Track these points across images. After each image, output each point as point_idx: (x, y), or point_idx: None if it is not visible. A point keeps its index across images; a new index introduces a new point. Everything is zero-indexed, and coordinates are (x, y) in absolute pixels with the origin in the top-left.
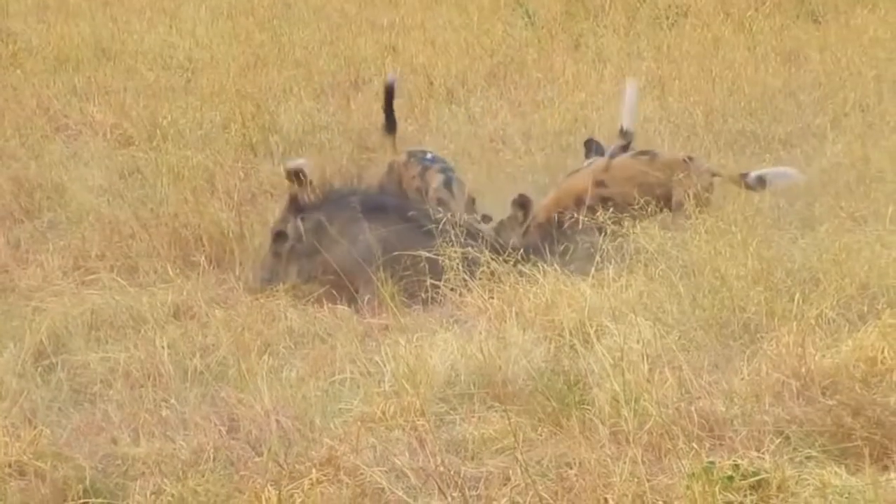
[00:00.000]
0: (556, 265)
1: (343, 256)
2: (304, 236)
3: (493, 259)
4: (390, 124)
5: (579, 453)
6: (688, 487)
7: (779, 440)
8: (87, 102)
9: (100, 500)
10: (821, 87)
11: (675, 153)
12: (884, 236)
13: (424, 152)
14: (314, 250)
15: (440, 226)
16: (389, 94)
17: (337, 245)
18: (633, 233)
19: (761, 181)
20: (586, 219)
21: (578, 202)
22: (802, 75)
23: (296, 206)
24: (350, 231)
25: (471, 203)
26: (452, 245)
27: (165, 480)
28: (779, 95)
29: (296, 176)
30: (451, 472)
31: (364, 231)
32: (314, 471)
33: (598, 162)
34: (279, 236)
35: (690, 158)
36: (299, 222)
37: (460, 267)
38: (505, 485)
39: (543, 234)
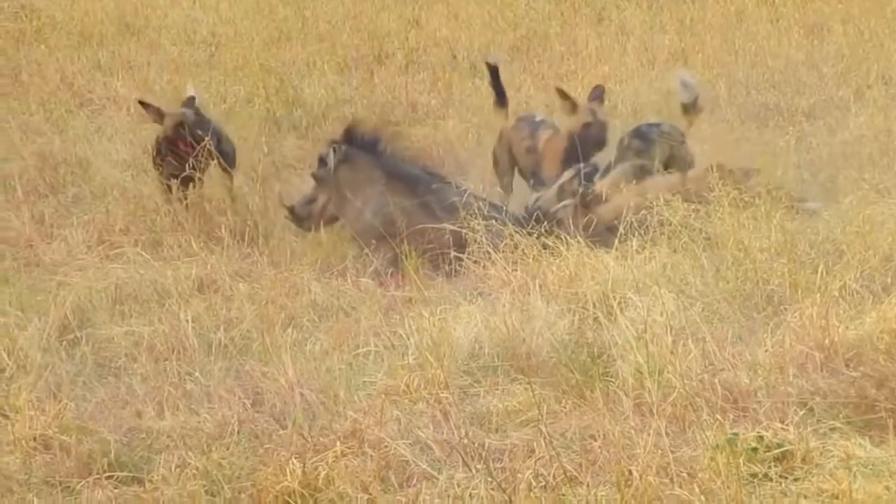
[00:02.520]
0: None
1: (354, 216)
2: (332, 166)
3: (516, 232)
4: (501, 99)
5: (603, 425)
6: (712, 459)
7: (803, 412)
8: (110, 77)
9: (124, 474)
10: (844, 59)
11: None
12: None
13: (533, 115)
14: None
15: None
16: (494, 73)
17: (349, 203)
18: (657, 205)
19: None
20: None
21: None
22: (825, 47)
23: (344, 135)
24: (364, 192)
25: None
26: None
27: (190, 454)
28: (802, 68)
29: None
30: (475, 445)
31: (375, 197)
32: (338, 444)
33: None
34: (320, 161)
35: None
36: (331, 150)
37: (484, 240)
38: (529, 457)
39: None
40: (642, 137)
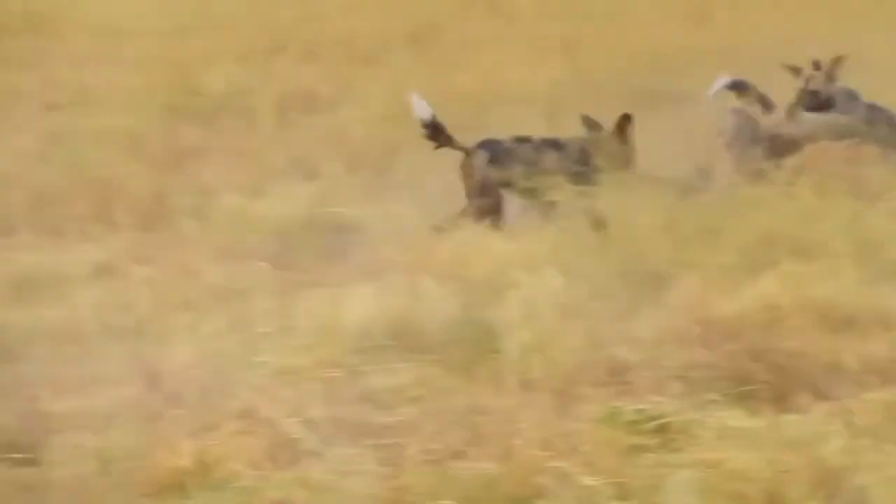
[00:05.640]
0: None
1: None
2: None
3: None
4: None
5: (489, 401)
6: (593, 432)
7: (681, 385)
8: (13, 68)
9: (19, 455)
10: (727, 45)
11: None
12: (784, 187)
13: None
14: None
15: None
16: None
17: None
18: (546, 187)
19: None
20: None
21: None
22: (710, 34)
23: None
24: None
25: None
26: None
27: (84, 435)
28: (686, 54)
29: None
30: (364, 422)
31: None
32: (231, 422)
33: None
34: None
35: None
36: None
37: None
38: (416, 432)
39: None
40: None
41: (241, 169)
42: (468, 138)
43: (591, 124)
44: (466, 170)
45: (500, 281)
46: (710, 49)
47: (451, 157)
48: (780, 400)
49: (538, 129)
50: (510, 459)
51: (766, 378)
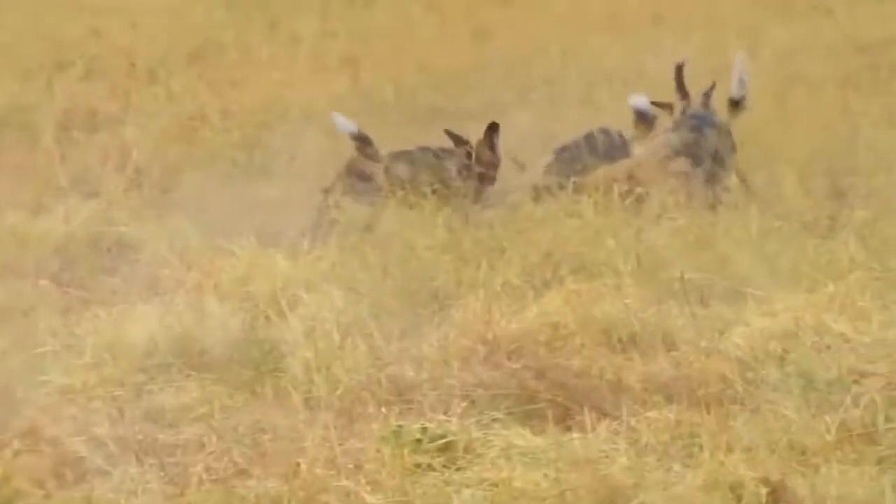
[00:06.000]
0: None
1: None
2: None
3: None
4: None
5: (273, 419)
6: (378, 450)
7: (465, 403)
8: None
9: None
10: (508, 63)
11: None
12: (567, 206)
13: None
14: None
15: None
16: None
17: None
18: (327, 205)
19: None
20: None
21: None
22: (491, 52)
23: None
24: None
25: None
26: None
27: None
28: (468, 71)
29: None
30: (149, 440)
31: None
32: (16, 441)
33: None
34: None
35: None
36: None
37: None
38: (201, 451)
39: None
40: None
41: (22, 186)
42: (255, 156)
43: (456, 139)
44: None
45: (284, 299)
46: (492, 66)
47: (235, 174)
48: (565, 418)
49: (320, 147)
50: (295, 478)
51: (551, 396)
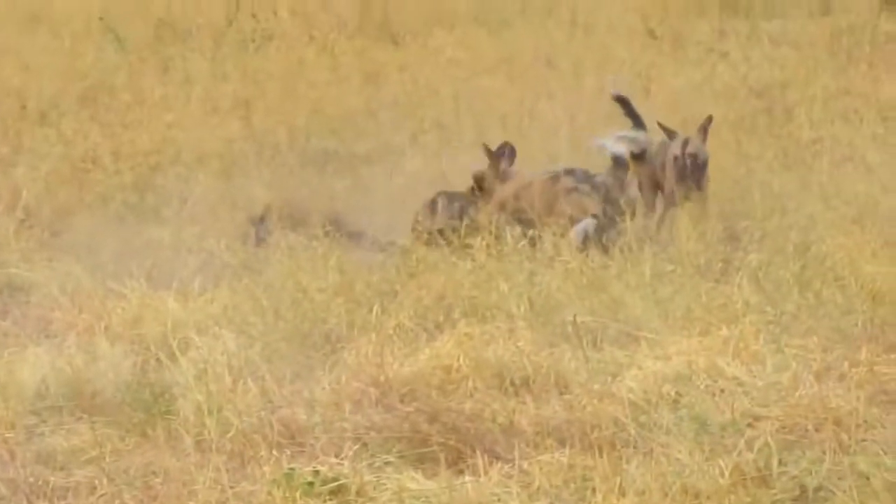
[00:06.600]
0: None
1: None
2: None
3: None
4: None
5: (164, 462)
6: (269, 493)
7: (358, 446)
8: None
9: None
10: (400, 106)
11: None
12: (457, 249)
13: None
14: None
15: None
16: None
17: None
18: (219, 248)
19: None
20: None
21: None
22: (382, 95)
23: None
24: None
25: None
26: None
27: None
28: (360, 115)
29: None
30: (40, 483)
31: None
32: None
33: None
34: None
35: None
36: None
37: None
38: (92, 494)
39: None
40: None
41: None
42: (147, 198)
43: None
44: None
45: (175, 342)
46: (385, 109)
47: (126, 216)
48: (457, 461)
49: (212, 189)
50: None
51: (443, 440)
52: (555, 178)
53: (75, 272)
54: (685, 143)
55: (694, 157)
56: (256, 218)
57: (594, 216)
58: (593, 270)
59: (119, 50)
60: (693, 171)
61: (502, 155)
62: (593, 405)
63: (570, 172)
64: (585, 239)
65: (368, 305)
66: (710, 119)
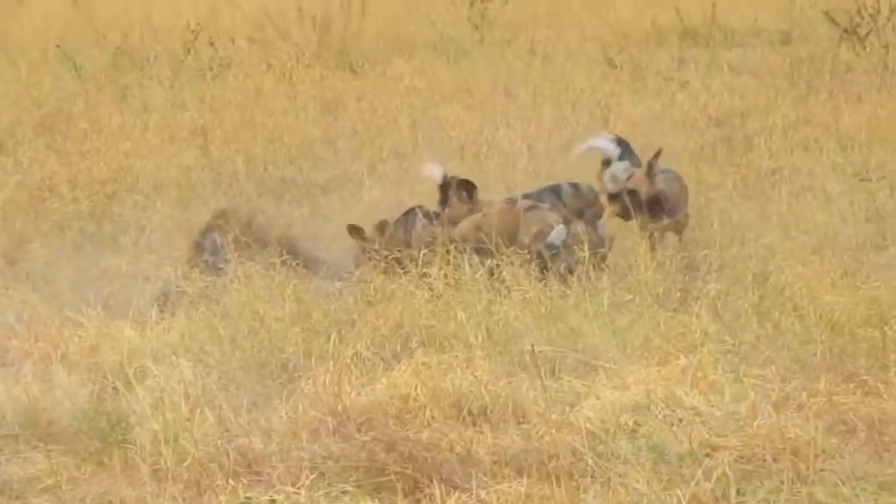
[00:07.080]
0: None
1: None
2: None
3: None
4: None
5: (121, 491)
6: None
7: (315, 475)
8: None
9: None
10: (358, 135)
11: None
12: (415, 279)
13: None
14: None
15: None
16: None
17: None
18: (175, 276)
19: None
20: None
21: None
22: (341, 124)
23: None
24: None
25: None
26: None
27: None
28: (318, 143)
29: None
30: None
31: None
32: None
33: None
34: None
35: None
36: None
37: None
38: None
39: None
40: None
41: None
42: (104, 226)
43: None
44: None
45: (131, 370)
46: (343, 138)
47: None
48: (414, 491)
49: (169, 218)
50: None
51: (400, 469)
52: (510, 202)
53: (32, 300)
54: (629, 177)
55: (632, 193)
56: (203, 230)
57: (562, 221)
58: (551, 300)
59: (76, 78)
60: (635, 206)
61: (449, 187)
62: (551, 435)
63: (525, 196)
64: (564, 243)
65: (326, 334)
66: (658, 152)
